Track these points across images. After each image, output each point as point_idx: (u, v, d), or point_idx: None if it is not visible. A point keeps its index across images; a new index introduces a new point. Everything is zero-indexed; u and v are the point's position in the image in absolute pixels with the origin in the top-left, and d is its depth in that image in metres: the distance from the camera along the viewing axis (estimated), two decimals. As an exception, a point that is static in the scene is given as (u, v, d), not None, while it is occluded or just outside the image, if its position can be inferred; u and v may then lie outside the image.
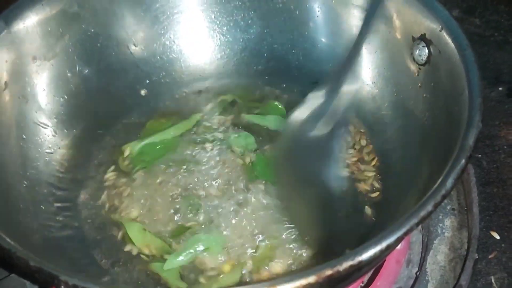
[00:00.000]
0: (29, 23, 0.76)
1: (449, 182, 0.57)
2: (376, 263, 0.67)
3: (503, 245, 0.78)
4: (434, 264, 0.76)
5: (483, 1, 1.05)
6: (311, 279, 0.51)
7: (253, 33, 0.89)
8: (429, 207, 0.55)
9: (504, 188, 0.83)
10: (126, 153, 0.81)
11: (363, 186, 0.77)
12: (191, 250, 0.71)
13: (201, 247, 0.71)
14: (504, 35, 1.00)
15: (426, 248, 0.77)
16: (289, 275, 0.53)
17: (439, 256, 0.76)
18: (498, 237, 0.78)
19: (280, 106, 0.85)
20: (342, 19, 0.83)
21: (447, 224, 0.79)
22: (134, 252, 0.72)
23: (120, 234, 0.74)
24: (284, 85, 0.88)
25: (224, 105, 0.86)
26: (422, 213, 0.55)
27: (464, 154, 0.59)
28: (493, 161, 0.86)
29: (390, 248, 0.54)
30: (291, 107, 0.84)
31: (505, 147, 0.87)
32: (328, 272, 0.52)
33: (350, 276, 0.60)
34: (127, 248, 0.72)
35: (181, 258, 0.70)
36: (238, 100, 0.86)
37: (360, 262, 0.53)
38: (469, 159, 0.59)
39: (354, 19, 0.82)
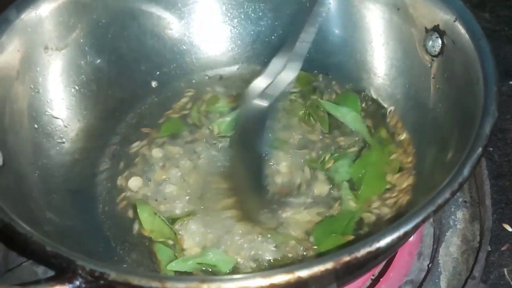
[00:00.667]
0: (41, 12, 0.76)
1: (466, 170, 0.57)
2: (392, 251, 0.67)
3: (515, 237, 0.78)
4: (447, 256, 0.75)
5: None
6: (329, 265, 0.51)
7: (263, 25, 0.89)
8: (447, 195, 0.55)
9: (516, 181, 0.83)
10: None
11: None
12: (199, 261, 0.70)
13: (209, 261, 0.70)
14: (515, 30, 1.00)
15: (438, 240, 0.77)
16: (307, 261, 0.53)
17: (452, 248, 0.76)
18: (510, 230, 0.78)
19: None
20: (354, 10, 0.83)
21: (459, 217, 0.79)
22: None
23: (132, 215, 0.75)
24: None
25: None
26: (439, 201, 0.55)
27: (480, 142, 0.58)
28: (505, 155, 0.85)
29: (407, 235, 0.54)
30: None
31: (517, 140, 0.87)
32: (346, 258, 0.52)
33: (367, 264, 0.60)
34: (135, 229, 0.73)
35: (188, 262, 0.70)
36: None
37: (378, 248, 0.53)
38: (485, 148, 0.58)
39: (366, 10, 0.81)
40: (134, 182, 0.78)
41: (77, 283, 0.53)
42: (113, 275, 0.51)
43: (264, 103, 0.68)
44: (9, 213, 0.57)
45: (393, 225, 0.54)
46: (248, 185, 0.73)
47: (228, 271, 0.69)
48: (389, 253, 0.67)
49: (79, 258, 0.52)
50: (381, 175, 0.76)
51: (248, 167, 0.72)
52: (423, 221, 0.54)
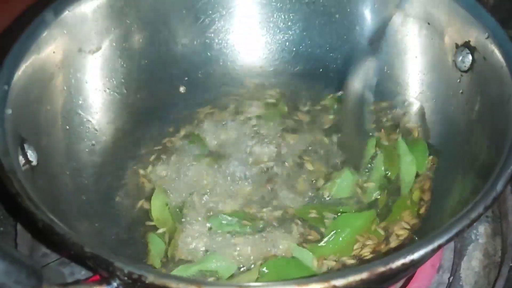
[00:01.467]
0: (77, 15, 0.77)
1: (500, 185, 0.58)
2: (423, 263, 0.68)
3: (537, 253, 0.78)
4: (469, 269, 0.76)
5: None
6: (364, 275, 0.52)
7: (292, 35, 0.90)
8: (480, 209, 0.56)
9: (538, 198, 0.83)
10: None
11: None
12: (200, 268, 0.70)
13: (211, 266, 0.71)
14: (537, 47, 1.01)
15: (460, 254, 0.77)
16: (342, 271, 0.53)
17: (474, 262, 0.77)
18: (532, 245, 0.78)
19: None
20: (383, 24, 0.83)
21: (481, 231, 0.79)
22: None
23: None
24: (321, 88, 0.88)
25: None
26: (473, 215, 0.56)
27: (513, 158, 0.59)
28: (527, 170, 0.86)
29: (440, 248, 0.55)
30: (325, 110, 0.85)
31: (538, 156, 0.87)
32: (381, 269, 0.53)
33: (398, 275, 0.61)
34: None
35: (191, 269, 0.70)
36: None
37: (412, 260, 0.53)
38: (519, 164, 0.59)
39: (398, 25, 0.82)
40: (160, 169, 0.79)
41: (115, 284, 0.54)
42: (150, 278, 0.52)
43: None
44: (48, 213, 0.57)
45: (427, 237, 0.55)
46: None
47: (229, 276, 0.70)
48: (420, 265, 0.67)
49: (117, 260, 0.53)
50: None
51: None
52: (457, 235, 0.55)
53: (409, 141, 0.80)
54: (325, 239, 0.72)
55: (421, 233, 0.73)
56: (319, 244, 0.72)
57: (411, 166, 0.77)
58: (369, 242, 0.72)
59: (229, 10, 0.88)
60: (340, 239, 0.72)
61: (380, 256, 0.70)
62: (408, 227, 0.74)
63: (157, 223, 0.74)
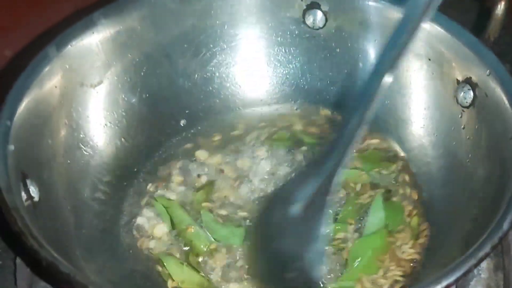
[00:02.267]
0: (79, 49, 0.77)
1: (506, 225, 0.58)
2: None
3: (539, 289, 0.78)
4: (472, 305, 0.76)
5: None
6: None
7: (293, 68, 0.90)
8: (487, 249, 0.56)
9: (539, 232, 0.83)
10: None
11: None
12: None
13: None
14: (535, 81, 1.01)
15: (462, 289, 0.77)
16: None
17: (477, 297, 0.76)
18: (534, 281, 0.78)
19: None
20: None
21: (483, 266, 0.79)
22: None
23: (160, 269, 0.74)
24: (320, 122, 0.88)
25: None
26: (480, 254, 0.56)
27: (519, 196, 0.59)
28: (527, 205, 0.86)
29: (449, 287, 0.55)
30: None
31: (539, 191, 0.87)
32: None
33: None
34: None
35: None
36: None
37: (421, 300, 0.53)
38: (524, 202, 0.59)
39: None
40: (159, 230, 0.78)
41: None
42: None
43: None
44: (52, 251, 0.57)
45: (434, 277, 0.55)
46: None
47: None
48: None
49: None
50: None
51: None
52: (465, 274, 0.55)
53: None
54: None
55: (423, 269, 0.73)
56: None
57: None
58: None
59: (230, 44, 0.89)
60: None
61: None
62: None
63: (184, 285, 0.72)
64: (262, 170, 0.82)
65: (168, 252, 0.75)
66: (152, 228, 0.78)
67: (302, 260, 0.63)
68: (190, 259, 0.74)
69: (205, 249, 0.74)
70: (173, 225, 0.77)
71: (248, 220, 0.77)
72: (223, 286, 0.72)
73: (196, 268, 0.73)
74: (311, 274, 0.63)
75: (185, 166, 0.84)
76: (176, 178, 0.83)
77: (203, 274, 0.73)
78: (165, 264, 0.73)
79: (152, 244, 0.76)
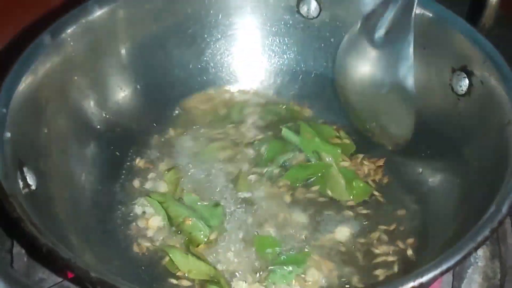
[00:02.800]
0: (73, 39, 0.76)
1: (505, 208, 0.58)
2: (428, 287, 0.67)
3: (534, 276, 0.78)
4: (469, 293, 0.76)
5: (506, 38, 1.06)
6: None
7: (287, 58, 0.90)
8: (486, 232, 0.56)
9: (534, 221, 0.84)
10: None
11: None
12: None
13: None
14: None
15: (459, 277, 0.78)
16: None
17: (473, 285, 0.77)
18: (529, 268, 0.79)
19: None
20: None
21: (480, 254, 0.79)
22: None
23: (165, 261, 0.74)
24: (317, 110, 0.89)
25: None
26: (479, 238, 0.56)
27: (516, 180, 0.60)
28: (522, 194, 0.87)
29: (448, 271, 0.55)
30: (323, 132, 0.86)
31: (533, 180, 0.88)
32: (391, 292, 0.53)
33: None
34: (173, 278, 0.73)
35: None
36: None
37: (421, 284, 0.54)
38: (521, 187, 0.60)
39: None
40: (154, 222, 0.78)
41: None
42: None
43: None
44: (52, 238, 0.56)
45: (436, 261, 0.55)
46: None
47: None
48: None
49: (124, 285, 0.52)
50: None
51: None
52: (465, 258, 0.55)
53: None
54: None
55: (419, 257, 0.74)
56: None
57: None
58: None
59: (224, 34, 0.89)
60: None
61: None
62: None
63: (191, 275, 0.72)
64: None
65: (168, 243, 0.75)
66: (148, 220, 0.77)
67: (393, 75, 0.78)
68: (191, 249, 0.73)
69: (205, 239, 0.74)
70: (170, 220, 0.76)
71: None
72: (227, 274, 0.72)
73: (200, 257, 0.73)
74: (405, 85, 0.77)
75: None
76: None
77: (209, 263, 0.72)
78: (170, 255, 0.73)
79: (150, 234, 0.76)
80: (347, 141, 0.85)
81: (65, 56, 0.76)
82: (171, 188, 0.79)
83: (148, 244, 0.75)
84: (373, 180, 0.81)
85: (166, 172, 0.81)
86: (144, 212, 0.78)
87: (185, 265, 0.71)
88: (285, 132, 0.84)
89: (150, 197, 0.78)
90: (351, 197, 0.79)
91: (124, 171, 0.82)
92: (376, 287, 0.55)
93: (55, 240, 0.58)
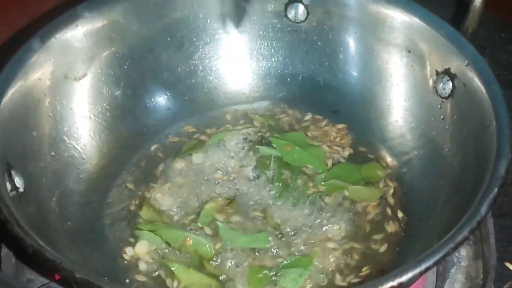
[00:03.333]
0: (63, 42, 0.77)
1: (483, 209, 0.59)
2: (408, 286, 0.68)
3: (517, 276, 0.79)
4: (452, 292, 0.77)
5: (492, 41, 1.09)
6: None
7: (275, 62, 0.91)
8: (465, 233, 0.57)
9: (517, 221, 0.85)
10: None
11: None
12: None
13: None
14: (513, 74, 1.04)
15: (442, 277, 0.78)
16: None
17: (456, 285, 0.78)
18: (513, 268, 0.80)
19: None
20: (365, 50, 0.85)
21: (463, 254, 0.80)
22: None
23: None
24: (304, 113, 0.89)
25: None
26: (458, 238, 0.57)
27: (496, 183, 0.61)
28: (505, 195, 0.88)
29: (427, 270, 0.56)
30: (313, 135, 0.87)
31: (516, 181, 0.89)
32: (370, 292, 0.53)
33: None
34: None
35: None
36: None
37: (400, 284, 0.54)
38: (500, 188, 0.61)
39: (377, 51, 0.84)
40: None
41: (104, 310, 0.54)
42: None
43: None
44: (37, 239, 0.57)
45: (415, 261, 0.56)
46: None
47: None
48: (407, 288, 0.68)
49: (109, 285, 0.53)
50: None
51: None
52: (444, 257, 0.56)
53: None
54: None
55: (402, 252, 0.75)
56: None
57: None
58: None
59: (213, 38, 0.89)
60: None
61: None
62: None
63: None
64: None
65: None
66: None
67: None
68: (203, 264, 0.73)
69: (213, 251, 0.74)
70: (168, 245, 0.75)
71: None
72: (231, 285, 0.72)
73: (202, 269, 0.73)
74: None
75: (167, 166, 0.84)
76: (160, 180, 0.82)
77: (212, 274, 0.72)
78: (172, 269, 0.72)
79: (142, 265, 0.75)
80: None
81: (54, 60, 0.77)
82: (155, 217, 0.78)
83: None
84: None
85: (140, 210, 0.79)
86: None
87: (187, 278, 0.71)
88: (262, 149, 0.83)
89: (139, 228, 0.76)
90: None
91: (115, 176, 0.83)
92: (355, 287, 0.55)
93: (42, 241, 0.59)
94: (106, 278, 0.63)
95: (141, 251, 0.74)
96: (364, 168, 0.82)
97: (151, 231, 0.75)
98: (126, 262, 0.74)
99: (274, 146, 0.83)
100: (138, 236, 0.75)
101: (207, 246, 0.74)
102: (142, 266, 0.74)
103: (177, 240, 0.74)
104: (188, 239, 0.74)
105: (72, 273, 0.54)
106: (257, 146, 0.84)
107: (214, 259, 0.73)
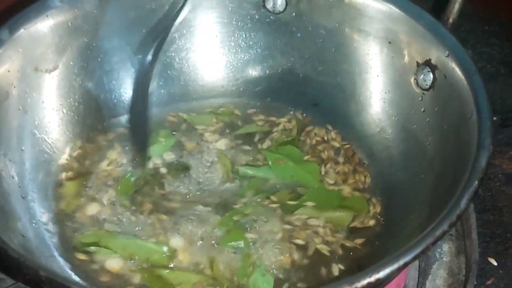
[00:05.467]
0: (33, 33, 0.75)
1: (463, 203, 0.57)
2: (388, 283, 0.67)
3: (500, 271, 0.78)
4: (434, 289, 0.76)
5: (475, 34, 1.08)
6: (329, 294, 0.51)
7: (254, 54, 0.89)
8: (445, 227, 0.56)
9: (500, 216, 0.83)
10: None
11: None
12: None
13: None
14: (496, 67, 1.03)
15: (424, 273, 0.77)
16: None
17: (438, 280, 0.76)
18: (495, 264, 0.78)
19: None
20: (345, 42, 0.83)
21: (445, 249, 0.79)
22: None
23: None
24: (284, 106, 0.88)
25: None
26: (437, 233, 0.55)
27: (476, 176, 0.59)
28: (488, 189, 0.87)
29: (406, 266, 0.54)
30: (289, 128, 0.85)
31: (499, 175, 0.88)
32: (346, 288, 0.52)
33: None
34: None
35: None
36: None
37: (378, 279, 0.53)
38: (481, 181, 0.59)
39: (357, 42, 0.82)
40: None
41: (72, 309, 0.52)
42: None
43: None
44: (1, 236, 0.55)
45: (393, 256, 0.54)
46: None
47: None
48: (385, 284, 0.66)
49: (75, 284, 0.51)
50: None
51: None
52: (423, 252, 0.54)
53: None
54: None
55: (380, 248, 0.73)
56: None
57: None
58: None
59: (189, 29, 0.87)
60: None
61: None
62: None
63: None
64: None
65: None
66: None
67: None
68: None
69: (169, 254, 0.71)
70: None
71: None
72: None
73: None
74: None
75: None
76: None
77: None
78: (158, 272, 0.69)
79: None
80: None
81: (24, 52, 0.74)
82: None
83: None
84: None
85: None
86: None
87: (177, 279, 0.69)
88: (243, 171, 0.80)
89: (83, 242, 0.72)
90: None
91: (88, 170, 0.80)
92: (332, 283, 0.53)
93: (6, 240, 0.56)
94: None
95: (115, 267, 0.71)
96: (349, 200, 0.78)
97: (94, 243, 0.71)
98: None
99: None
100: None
101: (161, 251, 0.71)
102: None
103: (124, 249, 0.71)
104: (135, 241, 0.71)
105: (37, 272, 0.52)
106: (236, 167, 0.81)
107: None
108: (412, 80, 0.77)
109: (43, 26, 0.76)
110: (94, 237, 0.72)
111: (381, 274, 0.53)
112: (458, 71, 0.70)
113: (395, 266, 0.53)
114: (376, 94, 0.82)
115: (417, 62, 0.76)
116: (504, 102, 0.98)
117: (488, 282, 0.77)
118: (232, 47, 0.89)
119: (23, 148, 0.74)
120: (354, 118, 0.84)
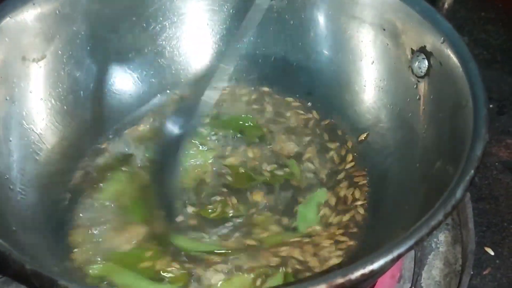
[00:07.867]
0: (19, 21, 0.73)
1: (459, 192, 0.56)
2: (382, 274, 0.66)
3: (497, 261, 0.77)
4: (429, 279, 0.75)
5: (471, 20, 1.06)
6: (322, 286, 0.50)
7: (246, 42, 0.87)
8: (439, 217, 0.55)
9: (497, 205, 0.83)
10: None
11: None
12: None
13: None
14: (492, 54, 1.01)
15: (420, 263, 0.76)
16: (299, 282, 0.51)
17: (434, 271, 0.75)
18: (492, 253, 0.78)
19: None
20: (340, 29, 0.82)
21: (441, 239, 0.78)
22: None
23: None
24: (278, 95, 0.86)
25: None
26: (433, 223, 0.54)
27: (472, 164, 0.58)
28: (485, 178, 0.86)
29: (400, 257, 0.53)
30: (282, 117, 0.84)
31: (496, 163, 0.87)
32: (340, 280, 0.51)
33: (357, 286, 0.59)
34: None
35: None
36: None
37: (372, 271, 0.51)
38: (477, 170, 0.58)
39: (352, 30, 0.81)
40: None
41: (59, 304, 0.51)
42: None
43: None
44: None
45: (387, 247, 0.53)
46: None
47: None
48: (380, 275, 0.66)
49: (61, 277, 0.50)
50: None
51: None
52: (417, 244, 0.53)
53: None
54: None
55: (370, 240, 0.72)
56: None
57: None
58: None
59: (180, 17, 0.86)
60: None
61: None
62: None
63: None
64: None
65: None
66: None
67: None
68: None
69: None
70: None
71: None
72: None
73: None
74: None
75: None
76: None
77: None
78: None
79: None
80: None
81: (10, 41, 0.73)
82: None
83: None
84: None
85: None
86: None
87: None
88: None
89: (92, 276, 0.68)
90: None
91: (77, 162, 0.80)
92: (327, 273, 0.52)
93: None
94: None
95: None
96: None
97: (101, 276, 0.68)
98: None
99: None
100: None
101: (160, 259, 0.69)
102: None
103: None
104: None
105: (22, 266, 0.51)
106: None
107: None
108: (407, 67, 0.75)
109: (30, 15, 0.74)
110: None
111: (375, 265, 0.52)
112: (453, 58, 0.68)
113: (389, 257, 0.52)
114: (370, 82, 0.81)
115: (412, 49, 0.74)
116: (501, 89, 0.97)
117: (485, 272, 0.76)
118: (224, 35, 0.88)
119: (10, 139, 0.73)
120: (348, 106, 0.83)
